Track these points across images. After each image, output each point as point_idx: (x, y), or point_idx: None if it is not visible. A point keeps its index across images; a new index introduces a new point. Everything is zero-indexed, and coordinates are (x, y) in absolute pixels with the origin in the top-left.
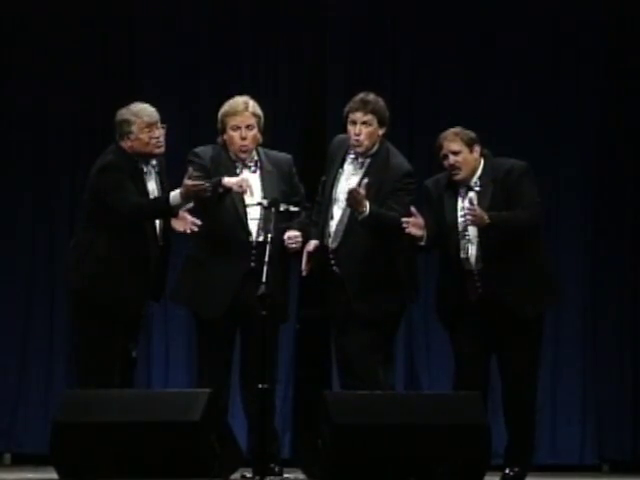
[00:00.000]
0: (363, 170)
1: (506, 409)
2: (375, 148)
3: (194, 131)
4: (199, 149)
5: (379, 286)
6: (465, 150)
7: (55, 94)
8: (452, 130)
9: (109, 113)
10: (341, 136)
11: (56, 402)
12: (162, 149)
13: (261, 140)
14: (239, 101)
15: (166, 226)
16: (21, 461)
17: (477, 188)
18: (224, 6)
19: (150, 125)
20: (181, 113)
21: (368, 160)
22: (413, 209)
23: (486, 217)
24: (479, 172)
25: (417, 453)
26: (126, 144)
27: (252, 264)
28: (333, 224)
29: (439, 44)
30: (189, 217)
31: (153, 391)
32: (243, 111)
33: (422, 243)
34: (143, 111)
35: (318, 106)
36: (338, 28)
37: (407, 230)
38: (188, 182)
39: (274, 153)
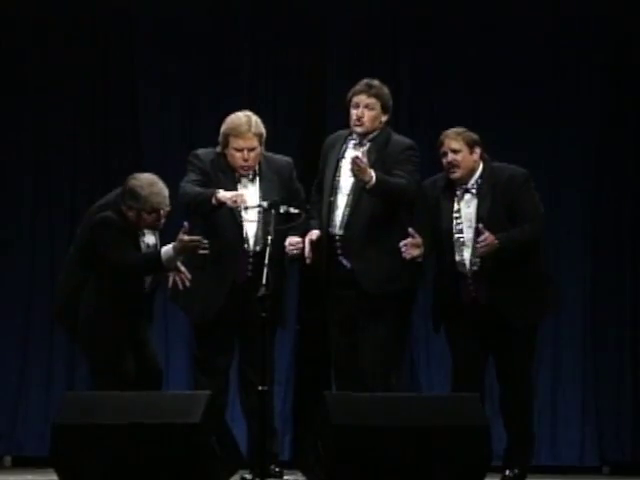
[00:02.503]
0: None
1: (504, 411)
2: (376, 132)
3: (194, 132)
4: (200, 151)
5: (388, 270)
6: (465, 150)
7: (55, 100)
8: (455, 129)
9: (109, 115)
10: (334, 134)
11: (56, 404)
12: (158, 229)
13: (263, 151)
14: (242, 121)
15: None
16: (21, 463)
17: (474, 190)
18: (224, 6)
19: (156, 210)
20: (181, 113)
21: (369, 144)
22: (411, 230)
23: (496, 241)
24: (477, 174)
25: (417, 454)
26: (127, 211)
27: (249, 274)
28: (338, 213)
29: (439, 44)
30: (180, 266)
31: (153, 393)
32: (246, 133)
33: (419, 259)
34: (154, 196)
35: (318, 106)
36: (338, 28)
37: (404, 254)
38: (185, 237)
39: (274, 157)
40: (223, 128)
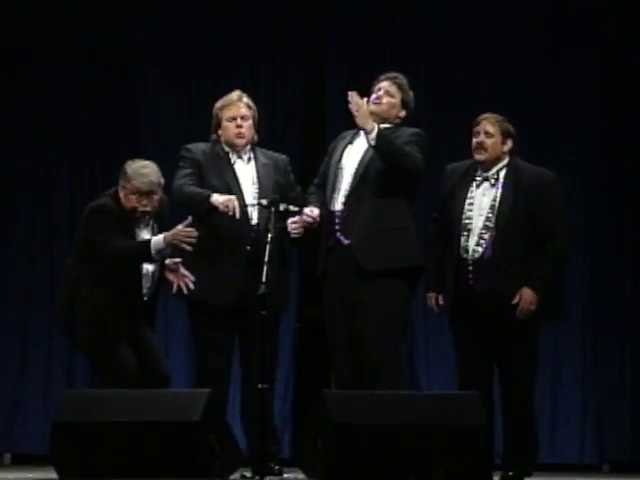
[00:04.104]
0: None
1: (503, 412)
2: (390, 125)
3: (193, 131)
4: (191, 145)
5: (387, 247)
6: (498, 137)
7: (55, 96)
8: (496, 115)
9: (108, 113)
10: (345, 132)
11: (56, 402)
12: (147, 214)
13: (256, 138)
14: (233, 94)
15: (160, 275)
16: (21, 461)
17: (493, 180)
18: (224, 6)
19: (140, 193)
20: (180, 113)
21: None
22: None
23: (535, 298)
24: (500, 165)
25: (416, 453)
26: (120, 192)
27: (247, 248)
28: (340, 190)
29: (439, 44)
30: (182, 270)
31: (153, 391)
32: (237, 102)
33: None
34: (141, 177)
35: (318, 106)
36: (338, 28)
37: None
38: (180, 227)
39: (270, 152)
40: (214, 108)
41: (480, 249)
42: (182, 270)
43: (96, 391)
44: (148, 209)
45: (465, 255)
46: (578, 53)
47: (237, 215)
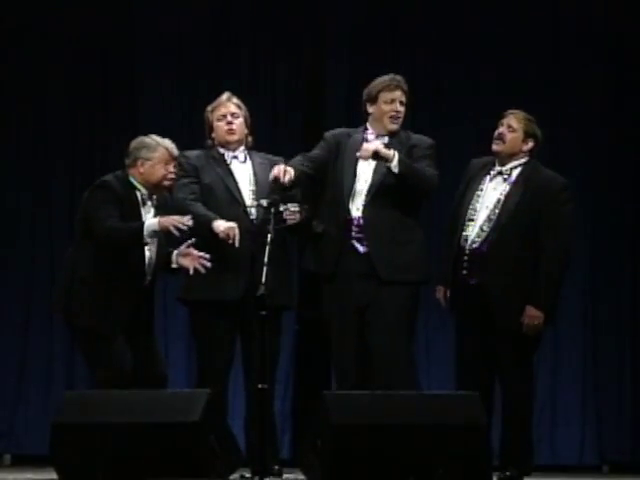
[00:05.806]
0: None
1: (503, 411)
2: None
3: (193, 131)
4: (186, 151)
5: (403, 259)
6: (520, 133)
7: (55, 95)
8: (525, 113)
9: (108, 113)
10: (344, 129)
11: (56, 403)
12: (171, 183)
13: (251, 140)
14: (222, 96)
15: (157, 264)
16: (21, 462)
17: (506, 176)
18: (224, 5)
19: (172, 159)
20: (181, 113)
21: (387, 138)
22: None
23: (539, 314)
24: (517, 163)
25: (416, 453)
26: (137, 170)
27: (249, 243)
28: (357, 196)
29: (439, 45)
30: (195, 252)
31: (152, 391)
32: (226, 101)
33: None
34: (168, 143)
35: (318, 106)
36: (338, 28)
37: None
38: (178, 217)
39: (265, 154)
40: (206, 112)
41: (478, 240)
42: (195, 252)
43: (96, 392)
44: (173, 176)
45: (464, 244)
46: (578, 53)
47: (237, 243)
